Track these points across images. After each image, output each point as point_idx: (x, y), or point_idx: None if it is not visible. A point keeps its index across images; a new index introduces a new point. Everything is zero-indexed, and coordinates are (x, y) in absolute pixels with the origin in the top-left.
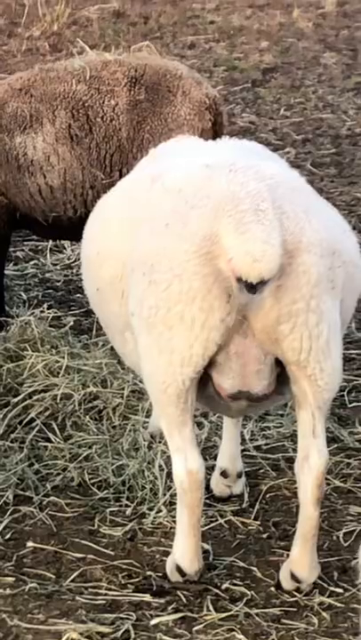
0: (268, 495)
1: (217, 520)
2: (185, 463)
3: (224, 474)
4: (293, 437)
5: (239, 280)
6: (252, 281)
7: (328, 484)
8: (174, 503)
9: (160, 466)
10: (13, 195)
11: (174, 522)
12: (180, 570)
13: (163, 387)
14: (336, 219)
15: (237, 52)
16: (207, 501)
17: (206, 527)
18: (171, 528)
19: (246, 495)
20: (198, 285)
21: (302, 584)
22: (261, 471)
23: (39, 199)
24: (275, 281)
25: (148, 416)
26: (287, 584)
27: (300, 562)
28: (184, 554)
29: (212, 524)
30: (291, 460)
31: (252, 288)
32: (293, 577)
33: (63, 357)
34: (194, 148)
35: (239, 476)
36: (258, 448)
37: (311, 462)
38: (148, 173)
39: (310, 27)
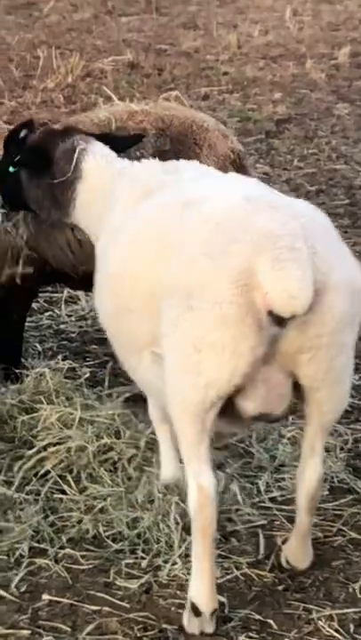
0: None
1: (232, 572)
2: (197, 479)
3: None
4: None
5: (270, 313)
6: (284, 315)
7: (343, 536)
8: (190, 555)
9: (175, 519)
10: (44, 250)
11: (190, 574)
12: (195, 609)
13: (184, 405)
14: (352, 257)
15: (251, 103)
16: (223, 553)
17: (222, 579)
18: (186, 580)
19: (262, 547)
20: (233, 314)
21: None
22: (277, 523)
23: (68, 253)
24: (302, 316)
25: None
26: (190, 624)
27: (296, 553)
28: (199, 590)
29: (228, 577)
30: None
31: (281, 322)
32: (194, 608)
33: (77, 409)
34: (212, 177)
35: None
36: (273, 500)
37: (306, 476)
38: (175, 199)
39: (323, 78)
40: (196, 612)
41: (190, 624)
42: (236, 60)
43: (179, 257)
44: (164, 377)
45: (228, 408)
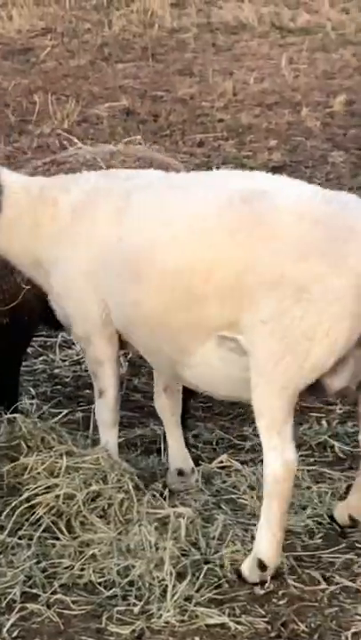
0: (278, 593)
1: (225, 619)
2: (282, 455)
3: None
4: (303, 535)
5: None
6: None
7: (336, 584)
8: (183, 604)
9: (169, 569)
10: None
11: (183, 621)
12: (261, 565)
13: (283, 387)
14: None
15: (246, 150)
16: (216, 597)
17: (214, 627)
18: (179, 627)
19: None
20: (352, 308)
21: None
22: None
23: None
24: None
25: (152, 507)
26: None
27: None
28: (269, 547)
29: (220, 623)
30: (300, 559)
31: None
32: (260, 564)
33: (62, 456)
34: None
35: (192, 472)
36: None
37: None
38: (227, 191)
39: (318, 126)
40: (262, 566)
41: (252, 575)
42: (232, 106)
43: (272, 248)
44: (255, 359)
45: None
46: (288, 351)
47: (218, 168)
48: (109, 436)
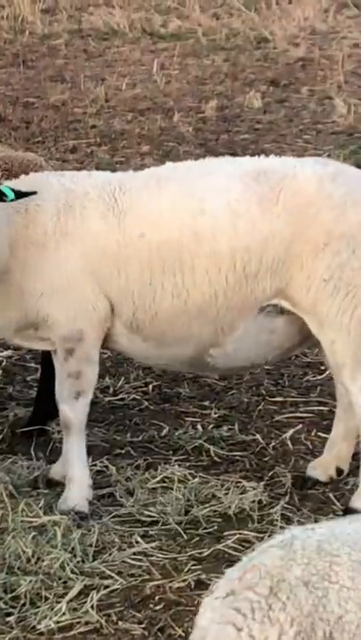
0: (155, 598)
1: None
2: None
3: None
4: None
5: None
6: None
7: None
8: (62, 610)
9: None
10: None
11: (62, 628)
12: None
13: (359, 337)
14: None
15: (119, 155)
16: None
17: None
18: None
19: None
20: None
21: None
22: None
23: None
24: None
25: (28, 516)
26: None
27: None
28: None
29: None
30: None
31: None
32: None
33: None
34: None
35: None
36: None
37: None
38: (242, 172)
39: (191, 131)
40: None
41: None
42: (104, 112)
43: (310, 213)
44: (322, 317)
45: None
46: (358, 301)
47: None
48: (79, 440)
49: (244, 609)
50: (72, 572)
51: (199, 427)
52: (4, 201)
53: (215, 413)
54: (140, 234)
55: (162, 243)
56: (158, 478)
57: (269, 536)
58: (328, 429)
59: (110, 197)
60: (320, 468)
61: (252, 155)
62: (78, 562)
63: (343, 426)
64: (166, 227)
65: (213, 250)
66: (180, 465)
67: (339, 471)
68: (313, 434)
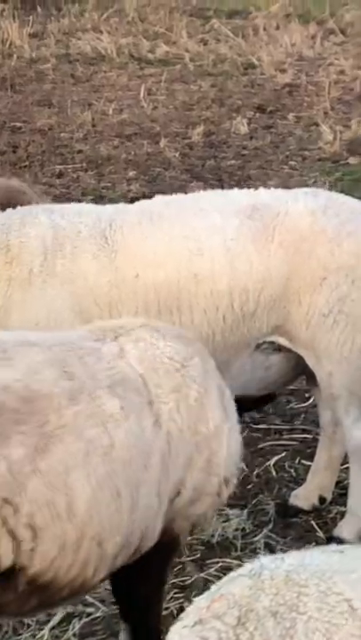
0: None
1: None
2: None
3: None
4: None
5: None
6: None
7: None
8: None
9: None
10: None
11: None
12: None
13: (357, 369)
14: None
15: (105, 181)
16: None
17: None
18: None
19: None
20: None
21: None
22: None
23: None
24: None
25: None
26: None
27: None
28: None
29: None
30: None
31: None
32: None
33: None
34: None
35: None
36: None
37: None
38: (237, 208)
39: (177, 157)
40: None
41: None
42: (91, 137)
43: (305, 249)
44: (321, 351)
45: None
46: (356, 332)
47: (79, 200)
48: None
49: (212, 638)
50: None
51: None
52: None
53: None
54: (135, 274)
55: (158, 284)
56: None
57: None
58: (312, 457)
59: (102, 236)
60: (303, 497)
61: (239, 182)
62: None
63: (326, 455)
64: (163, 267)
65: (212, 290)
66: None
67: (322, 500)
68: (297, 461)
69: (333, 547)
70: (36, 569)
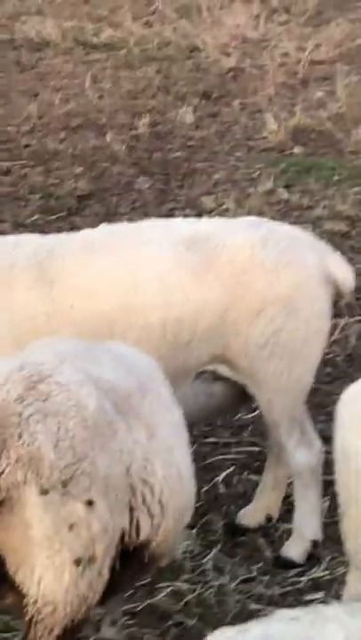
0: None
1: None
2: (310, 447)
3: None
4: None
5: None
6: None
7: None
8: None
9: None
10: None
11: None
12: (315, 544)
13: (297, 397)
14: None
15: (53, 177)
16: None
17: None
18: None
19: None
20: (324, 295)
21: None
22: None
23: None
24: None
25: None
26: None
27: None
28: (317, 525)
29: None
30: None
31: None
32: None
33: None
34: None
35: None
36: None
37: None
38: (176, 239)
39: (124, 150)
40: (315, 545)
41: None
42: (37, 131)
43: (244, 280)
44: (260, 380)
45: None
46: (293, 361)
47: (27, 200)
48: None
49: None
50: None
51: None
52: None
53: None
54: (70, 305)
55: (93, 315)
56: None
57: (202, 587)
58: (259, 471)
59: (39, 267)
60: (250, 516)
61: (185, 176)
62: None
63: (273, 475)
64: (98, 299)
65: (145, 322)
66: None
67: (268, 518)
68: (244, 476)
69: (289, 613)
70: (159, 540)
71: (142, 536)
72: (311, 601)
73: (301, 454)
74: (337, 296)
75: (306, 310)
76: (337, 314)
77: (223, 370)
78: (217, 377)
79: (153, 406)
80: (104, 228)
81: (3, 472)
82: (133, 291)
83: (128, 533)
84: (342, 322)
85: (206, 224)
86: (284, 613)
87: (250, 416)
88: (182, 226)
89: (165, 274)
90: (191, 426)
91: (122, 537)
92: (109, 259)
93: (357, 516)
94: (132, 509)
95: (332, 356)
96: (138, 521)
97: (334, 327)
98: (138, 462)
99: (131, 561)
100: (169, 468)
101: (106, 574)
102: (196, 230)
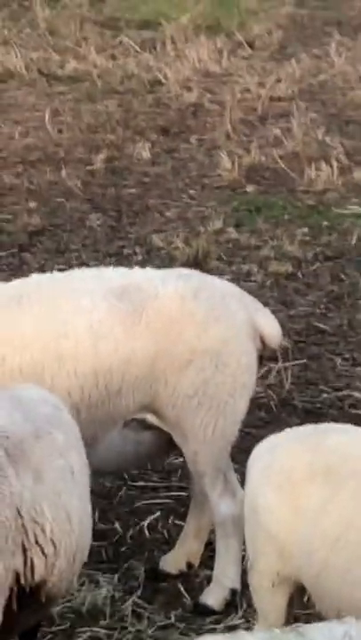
0: None
1: None
2: (233, 497)
3: None
4: None
5: None
6: None
7: None
8: None
9: None
10: None
11: None
12: (234, 592)
13: (221, 449)
14: None
15: (6, 213)
16: None
17: None
18: None
19: None
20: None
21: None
22: None
23: None
24: None
25: None
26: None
27: None
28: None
29: None
30: None
31: None
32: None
33: None
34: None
35: None
36: None
37: None
38: (106, 291)
39: (79, 185)
40: (234, 594)
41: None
42: None
43: (174, 331)
44: (186, 430)
45: None
46: (220, 414)
47: None
48: None
49: None
50: None
51: None
52: None
53: None
54: (2, 357)
55: (23, 365)
56: None
57: (120, 633)
58: (184, 517)
59: None
60: (171, 562)
61: (138, 213)
62: None
63: (196, 523)
64: (29, 349)
65: (75, 371)
66: None
67: (189, 565)
68: (170, 521)
69: None
70: (54, 580)
71: (37, 577)
72: None
73: (225, 505)
74: (262, 349)
75: (233, 365)
76: (272, 358)
77: (153, 419)
78: (146, 426)
79: (44, 451)
80: (35, 278)
81: None
82: (64, 341)
83: (23, 574)
84: (277, 366)
85: (138, 274)
86: None
87: (180, 460)
88: (114, 275)
89: (96, 323)
90: (120, 471)
91: (17, 578)
92: (40, 309)
93: (265, 571)
94: (25, 550)
95: (266, 400)
96: (32, 561)
97: (269, 371)
98: (27, 504)
99: (28, 601)
100: (57, 511)
101: None
102: (127, 280)
